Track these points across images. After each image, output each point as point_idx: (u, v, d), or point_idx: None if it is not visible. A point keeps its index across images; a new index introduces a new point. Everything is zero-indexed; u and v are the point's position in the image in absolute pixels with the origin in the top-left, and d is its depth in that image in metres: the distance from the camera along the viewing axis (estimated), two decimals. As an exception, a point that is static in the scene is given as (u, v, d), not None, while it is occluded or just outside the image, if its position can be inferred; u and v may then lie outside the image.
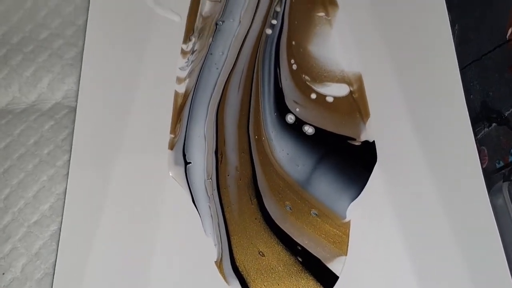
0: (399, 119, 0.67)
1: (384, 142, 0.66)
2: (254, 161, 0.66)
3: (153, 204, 0.62)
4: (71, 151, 0.62)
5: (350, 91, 0.71)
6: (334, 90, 0.71)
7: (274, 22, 0.75)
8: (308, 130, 0.67)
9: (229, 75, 0.71)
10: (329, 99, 0.70)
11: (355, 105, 0.69)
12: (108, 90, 0.67)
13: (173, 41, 0.72)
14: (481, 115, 0.63)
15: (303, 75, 0.72)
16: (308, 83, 0.71)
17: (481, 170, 0.60)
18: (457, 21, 0.65)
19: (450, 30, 0.62)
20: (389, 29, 0.71)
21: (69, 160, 0.61)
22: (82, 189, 0.61)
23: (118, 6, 0.71)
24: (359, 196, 0.63)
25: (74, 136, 0.63)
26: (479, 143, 0.62)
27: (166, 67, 0.71)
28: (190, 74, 0.71)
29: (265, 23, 0.75)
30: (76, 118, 0.64)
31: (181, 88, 0.70)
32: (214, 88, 0.70)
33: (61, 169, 0.63)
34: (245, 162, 0.65)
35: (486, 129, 0.63)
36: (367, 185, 0.64)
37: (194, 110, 0.69)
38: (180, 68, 0.72)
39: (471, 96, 0.64)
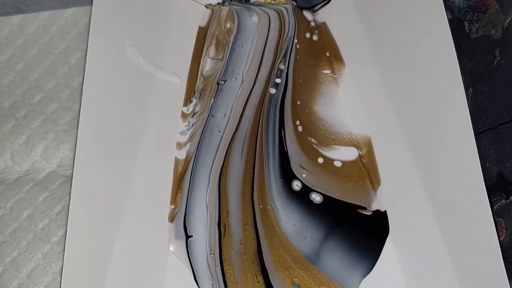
0: (412, 187, 0.65)
1: (397, 211, 0.65)
2: (259, 233, 0.64)
3: (153, 282, 0.61)
4: (67, 225, 0.60)
5: (359, 155, 0.70)
6: (342, 154, 0.70)
7: (278, 80, 0.75)
8: (316, 198, 0.66)
9: (231, 138, 0.71)
10: (337, 164, 0.69)
11: (365, 171, 0.68)
12: (106, 158, 0.65)
13: (174, 104, 0.72)
14: (497, 186, 0.62)
15: (309, 138, 0.71)
16: (314, 146, 0.71)
17: (498, 242, 0.59)
18: (471, 84, 0.64)
19: (464, 93, 0.61)
20: (399, 90, 0.70)
21: (65, 235, 0.59)
22: (79, 268, 0.59)
23: (116, 68, 0.69)
24: (371, 272, 0.61)
25: (70, 209, 0.61)
26: (496, 214, 0.61)
27: (166, 132, 0.71)
28: (191, 138, 0.71)
29: (268, 81, 0.75)
30: (71, 189, 0.62)
31: (182, 154, 0.70)
32: (216, 153, 0.70)
33: (56, 246, 0.62)
34: (250, 234, 0.64)
35: (503, 201, 0.62)
36: (379, 259, 0.62)
37: (195, 178, 0.68)
38: (180, 133, 0.71)
39: (487, 164, 0.63)
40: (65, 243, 0.57)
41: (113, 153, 0.65)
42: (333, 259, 0.62)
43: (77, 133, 0.63)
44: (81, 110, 0.63)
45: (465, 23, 0.63)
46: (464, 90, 0.59)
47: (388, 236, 0.63)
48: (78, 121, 0.63)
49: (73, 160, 0.61)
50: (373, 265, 0.61)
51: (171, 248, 0.62)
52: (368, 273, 0.61)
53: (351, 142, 0.71)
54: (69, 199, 0.60)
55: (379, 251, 0.62)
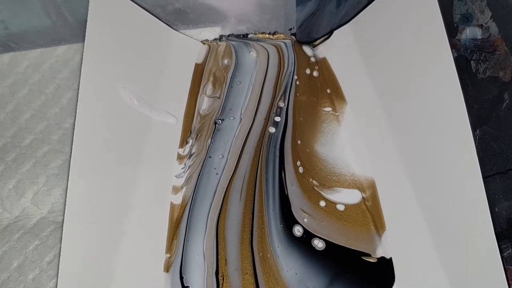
0: (418, 232, 0.65)
1: (403, 258, 0.64)
2: (259, 283, 0.63)
3: None
4: (57, 276, 0.59)
5: (363, 198, 0.70)
6: (345, 197, 0.70)
7: (277, 119, 0.75)
8: (318, 244, 0.66)
9: (229, 181, 0.70)
10: (340, 208, 0.69)
11: (369, 215, 0.68)
12: (98, 205, 0.64)
13: (169, 146, 0.72)
14: (507, 232, 0.62)
15: (311, 179, 0.71)
16: (316, 189, 0.70)
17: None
18: (478, 126, 0.64)
19: (471, 134, 0.61)
20: (403, 129, 0.70)
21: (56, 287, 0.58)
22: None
23: (110, 109, 0.69)
24: None
25: (60, 259, 0.60)
26: (506, 262, 0.60)
27: (162, 176, 0.71)
28: (187, 181, 0.70)
29: (267, 120, 0.75)
30: (62, 238, 0.61)
31: (178, 199, 0.69)
32: (213, 197, 0.69)
33: (45, 298, 0.61)
34: (249, 284, 0.63)
35: (513, 249, 0.62)
36: None
37: (192, 224, 0.67)
38: (176, 176, 0.71)
39: (496, 209, 0.63)
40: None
41: (106, 199, 0.65)
42: None
43: (68, 177, 0.62)
44: (72, 153, 0.63)
45: (472, 62, 0.63)
46: (471, 131, 0.58)
47: (394, 284, 0.62)
48: (69, 165, 0.62)
49: (64, 205, 0.60)
50: None
51: None
52: None
53: (354, 184, 0.71)
54: (60, 248, 0.59)
55: None
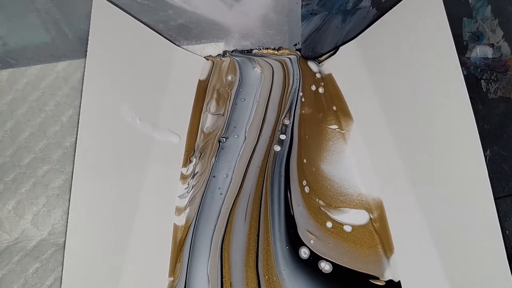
0: (428, 254, 0.64)
1: (411, 281, 0.64)
2: None
3: None
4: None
5: (370, 218, 0.69)
6: (352, 218, 0.70)
7: (282, 137, 0.74)
8: (325, 267, 0.66)
9: (234, 201, 0.70)
10: (347, 229, 0.69)
11: (377, 236, 0.68)
12: (100, 227, 0.64)
13: (172, 165, 0.72)
14: (519, 256, 0.61)
15: (317, 199, 0.71)
16: (322, 209, 0.70)
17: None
18: (488, 146, 0.64)
19: (483, 155, 0.61)
20: (411, 148, 0.69)
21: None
22: None
23: (111, 127, 0.68)
24: None
25: (62, 283, 0.59)
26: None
27: (165, 196, 0.70)
28: (190, 201, 0.70)
29: (272, 138, 0.74)
30: (64, 260, 0.60)
31: (181, 220, 0.69)
32: (218, 218, 0.69)
33: (46, 324, 0.60)
34: None
35: (526, 273, 0.61)
36: None
37: (196, 247, 0.67)
38: (179, 196, 0.70)
39: (507, 232, 0.62)
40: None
41: (108, 221, 0.64)
42: None
43: (69, 198, 0.62)
44: (73, 173, 0.62)
45: (482, 81, 0.63)
46: (482, 152, 0.58)
47: None
48: (70, 185, 0.61)
49: (66, 227, 0.60)
50: None
51: None
52: None
53: (361, 205, 0.70)
54: (62, 271, 0.58)
55: None
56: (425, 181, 0.67)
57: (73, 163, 0.62)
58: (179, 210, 0.69)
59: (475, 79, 0.64)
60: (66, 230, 0.59)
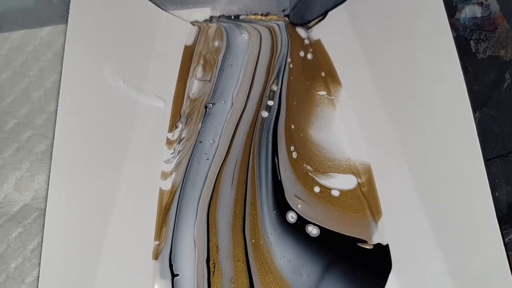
0: (416, 218, 0.64)
1: (400, 245, 0.64)
2: (251, 270, 0.62)
3: None
4: (40, 265, 0.59)
5: (358, 183, 0.69)
6: (340, 183, 0.70)
7: (270, 103, 0.74)
8: (312, 231, 0.66)
9: (221, 166, 0.70)
10: (335, 193, 0.69)
11: (365, 200, 0.68)
12: (82, 191, 0.63)
13: (158, 130, 0.71)
14: (508, 217, 0.61)
15: (305, 165, 0.71)
16: (310, 174, 0.70)
17: (511, 279, 0.58)
18: (478, 108, 0.64)
19: (472, 117, 0.60)
20: (400, 112, 0.69)
21: (38, 277, 0.58)
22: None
23: (95, 91, 0.68)
24: None
25: (43, 247, 0.59)
26: (506, 247, 0.60)
27: (150, 161, 0.70)
28: (177, 167, 0.70)
29: (260, 104, 0.75)
30: (45, 225, 0.60)
31: (167, 185, 0.69)
32: (204, 183, 0.69)
33: (30, 287, 0.60)
34: (242, 272, 0.63)
35: (514, 234, 0.62)
36: None
37: (182, 211, 0.67)
38: (165, 161, 0.70)
39: (496, 193, 0.63)
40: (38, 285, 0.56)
41: (91, 185, 0.64)
42: None
43: (50, 163, 0.61)
44: (55, 138, 0.62)
45: (471, 42, 0.63)
46: (472, 114, 0.58)
47: (391, 271, 0.62)
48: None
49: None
50: None
51: None
52: None
53: (349, 170, 0.70)
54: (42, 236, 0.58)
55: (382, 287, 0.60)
56: (414, 145, 0.67)
57: (55, 128, 0.62)
58: (165, 175, 0.69)
59: (464, 40, 0.64)
60: (47, 195, 0.59)
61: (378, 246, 0.64)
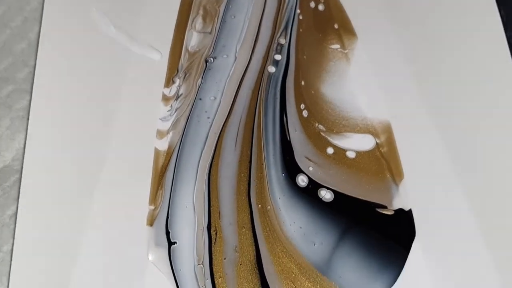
0: (442, 179, 0.60)
1: (424, 210, 0.59)
2: (257, 238, 0.57)
3: None
4: (14, 232, 0.55)
5: (377, 143, 0.64)
6: (356, 143, 0.64)
7: (278, 57, 0.69)
8: (326, 195, 0.60)
9: (223, 126, 0.64)
10: (350, 155, 0.63)
11: (384, 162, 0.62)
12: (67, 149, 0.59)
13: (153, 85, 0.65)
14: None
15: (317, 124, 0.65)
16: (323, 134, 0.64)
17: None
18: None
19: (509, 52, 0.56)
20: (424, 64, 0.65)
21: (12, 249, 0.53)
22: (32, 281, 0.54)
23: (80, 40, 0.63)
24: (395, 284, 0.55)
25: (18, 213, 0.56)
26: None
27: (144, 119, 0.64)
28: (174, 125, 0.64)
29: (266, 59, 0.69)
30: (21, 187, 0.56)
31: (163, 145, 0.63)
32: (205, 144, 0.63)
33: (7, 256, 0.55)
34: (247, 240, 0.58)
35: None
36: (404, 268, 0.56)
37: (180, 173, 0.61)
38: (161, 119, 0.64)
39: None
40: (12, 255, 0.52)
41: (76, 143, 0.59)
42: (348, 269, 0.56)
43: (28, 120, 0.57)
44: (32, 95, 0.59)
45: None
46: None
47: (415, 240, 0.57)
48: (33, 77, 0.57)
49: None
50: (397, 275, 0.55)
51: (150, 258, 0.56)
52: (392, 284, 0.55)
53: (366, 129, 0.65)
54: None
55: (404, 258, 0.56)
56: (440, 98, 0.63)
57: (32, 83, 0.60)
58: (160, 134, 0.63)
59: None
60: (24, 153, 0.56)
61: (400, 211, 0.59)
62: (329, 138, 0.64)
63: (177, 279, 0.56)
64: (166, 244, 0.56)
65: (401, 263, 0.56)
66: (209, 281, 0.56)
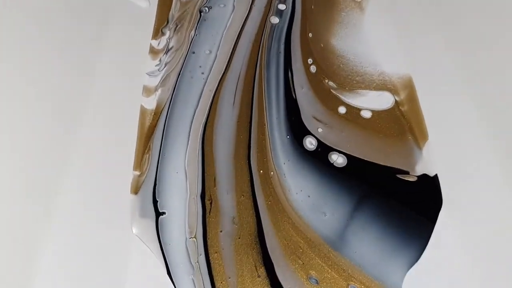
0: (472, 140, 0.53)
1: (452, 175, 0.52)
2: (259, 208, 0.52)
3: (111, 278, 0.48)
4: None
5: (396, 101, 0.58)
6: (372, 101, 0.59)
7: (282, 7, 0.64)
8: (337, 159, 0.54)
9: (219, 82, 0.60)
10: (366, 114, 0.58)
11: (405, 122, 0.57)
12: (44, 106, 0.52)
13: (139, 36, 0.60)
14: None
15: (326, 81, 0.60)
16: (334, 92, 0.59)
17: None
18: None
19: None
20: (449, 10, 0.59)
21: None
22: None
23: None
24: (418, 261, 0.48)
25: None
26: None
27: (129, 73, 0.58)
28: (163, 81, 0.59)
29: (269, 8, 0.64)
30: None
31: (150, 103, 0.58)
32: (198, 102, 0.58)
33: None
34: (246, 210, 0.52)
35: None
36: (430, 242, 0.49)
37: (170, 134, 0.56)
38: (149, 74, 0.59)
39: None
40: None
41: (55, 98, 0.53)
42: (365, 243, 0.50)
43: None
44: None
45: None
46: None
47: (442, 209, 0.50)
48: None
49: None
50: (422, 251, 0.49)
51: (134, 230, 0.50)
52: (415, 261, 0.48)
53: (383, 85, 0.59)
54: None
55: (430, 230, 0.50)
56: (469, 51, 0.57)
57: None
58: (148, 91, 0.58)
59: None
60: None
61: (424, 177, 0.53)
62: (341, 96, 0.59)
63: (165, 255, 0.49)
64: (153, 215, 0.51)
65: (426, 237, 0.50)
66: (202, 257, 0.50)
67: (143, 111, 0.57)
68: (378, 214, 0.51)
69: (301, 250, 0.50)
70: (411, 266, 0.48)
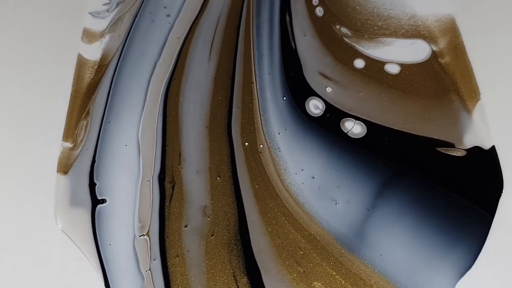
0: None
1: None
2: (242, 194, 0.45)
3: None
4: None
5: (433, 52, 0.51)
6: (400, 52, 0.52)
7: None
8: (353, 128, 0.48)
9: (191, 28, 0.54)
10: (392, 69, 0.51)
11: (446, 78, 0.50)
12: None
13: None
14: None
15: (338, 27, 0.54)
16: (347, 41, 0.53)
17: None
18: None
19: None
20: None
21: None
22: None
23: None
24: (471, 268, 0.41)
25: None
26: None
27: (64, 9, 0.53)
28: (113, 26, 0.54)
29: None
30: None
31: (93, 52, 0.52)
32: (160, 54, 0.52)
33: None
34: (224, 197, 0.45)
35: None
36: (487, 241, 0.41)
37: (118, 94, 0.50)
38: (92, 15, 0.53)
39: None
40: None
41: None
42: (393, 243, 0.42)
43: None
44: None
45: None
46: None
47: (503, 194, 0.43)
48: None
49: None
50: (476, 254, 0.41)
51: (59, 224, 0.43)
52: (467, 269, 0.41)
53: (415, 32, 0.53)
54: None
55: (488, 224, 0.42)
56: None
57: None
58: (90, 36, 0.53)
59: None
60: None
61: (476, 150, 0.46)
62: (357, 46, 0.53)
63: (103, 260, 0.42)
64: (88, 203, 0.45)
65: (482, 234, 0.42)
66: (157, 263, 0.42)
67: (81, 62, 0.52)
68: (411, 202, 0.44)
69: (301, 253, 0.43)
70: (461, 276, 0.41)
